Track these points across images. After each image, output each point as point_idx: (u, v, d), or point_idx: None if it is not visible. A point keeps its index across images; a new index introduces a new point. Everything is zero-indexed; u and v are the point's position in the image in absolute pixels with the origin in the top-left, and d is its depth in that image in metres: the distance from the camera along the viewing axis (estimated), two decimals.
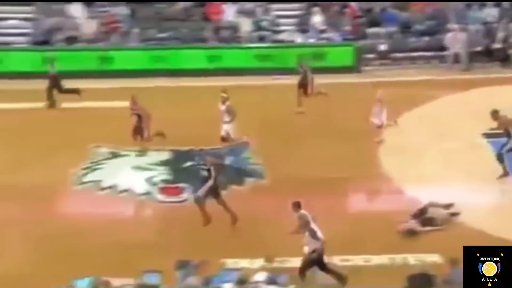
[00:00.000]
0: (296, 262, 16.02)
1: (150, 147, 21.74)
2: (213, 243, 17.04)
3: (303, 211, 15.77)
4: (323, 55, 28.30)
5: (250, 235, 17.54)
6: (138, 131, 21.70)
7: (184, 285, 13.90)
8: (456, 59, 28.44)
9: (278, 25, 30.40)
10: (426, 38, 29.39)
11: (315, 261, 15.56)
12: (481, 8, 30.10)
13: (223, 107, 21.72)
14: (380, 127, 22.23)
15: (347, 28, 29.88)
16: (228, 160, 21.36)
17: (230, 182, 20.15)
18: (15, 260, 16.82)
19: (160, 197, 19.90)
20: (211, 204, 18.08)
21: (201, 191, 18.11)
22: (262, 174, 20.79)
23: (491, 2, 30.18)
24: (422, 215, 18.06)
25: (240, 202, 18.76)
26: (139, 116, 21.62)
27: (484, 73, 27.79)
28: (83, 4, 30.22)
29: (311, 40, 29.60)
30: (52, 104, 25.12)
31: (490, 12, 29.92)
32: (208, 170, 18.19)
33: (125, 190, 19.82)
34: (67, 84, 25.19)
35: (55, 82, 25.15)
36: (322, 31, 29.72)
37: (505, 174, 20.00)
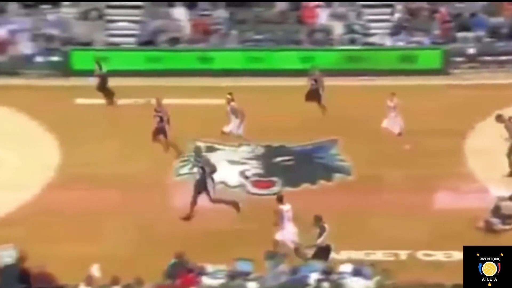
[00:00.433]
0: (379, 255, 16.91)
1: (244, 142, 22.53)
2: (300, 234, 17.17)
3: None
4: (413, 58, 28.97)
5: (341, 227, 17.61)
6: (160, 131, 21.97)
7: (274, 274, 14.04)
8: None
9: (369, 28, 30.99)
10: None
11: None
12: None
13: (228, 107, 22.27)
14: (400, 134, 22.56)
15: (437, 32, 30.38)
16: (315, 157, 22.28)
17: (318, 177, 21.15)
18: (120, 243, 17.87)
19: (253, 189, 20.94)
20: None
21: (211, 194, 18.85)
22: (349, 170, 21.65)
23: None
24: (498, 212, 18.31)
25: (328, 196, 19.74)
26: (161, 118, 21.96)
27: None
28: (185, 7, 31.32)
29: (401, 43, 30.18)
30: (110, 101, 26.07)
31: None
32: (202, 168, 18.99)
33: (221, 182, 20.47)
34: (169, 81, 26.34)
35: (103, 81, 26.04)
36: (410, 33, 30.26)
37: None
